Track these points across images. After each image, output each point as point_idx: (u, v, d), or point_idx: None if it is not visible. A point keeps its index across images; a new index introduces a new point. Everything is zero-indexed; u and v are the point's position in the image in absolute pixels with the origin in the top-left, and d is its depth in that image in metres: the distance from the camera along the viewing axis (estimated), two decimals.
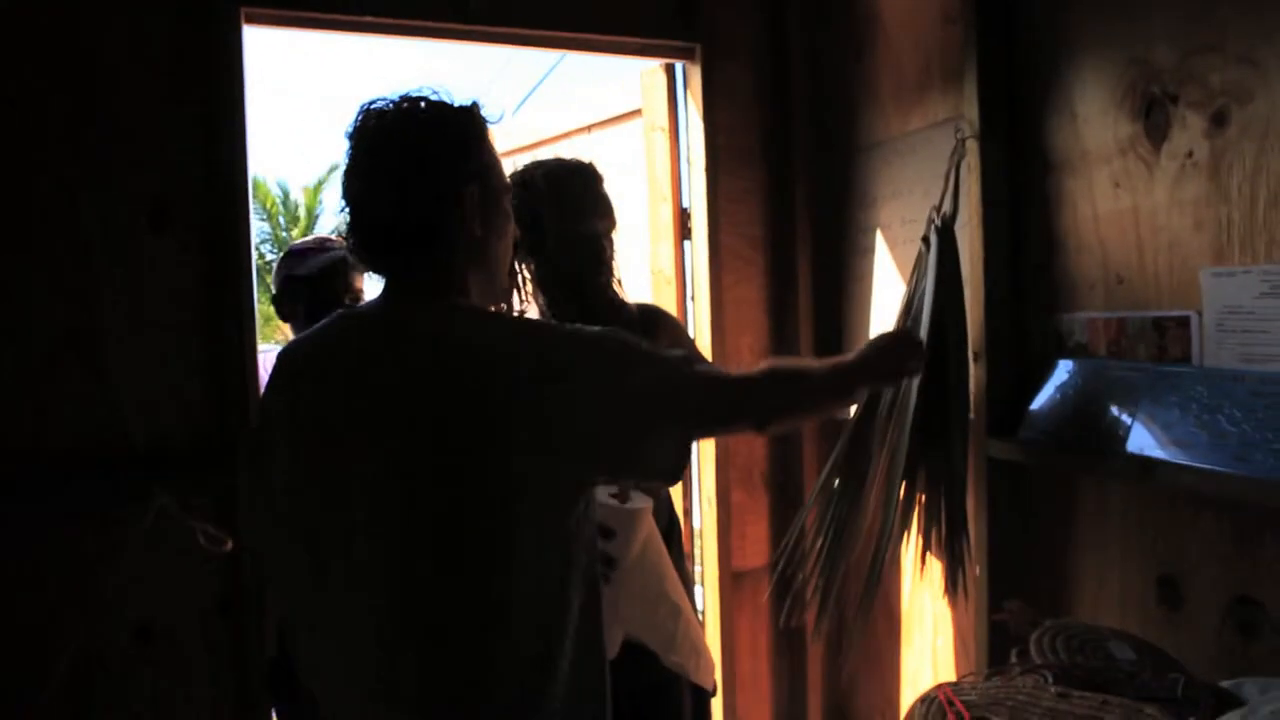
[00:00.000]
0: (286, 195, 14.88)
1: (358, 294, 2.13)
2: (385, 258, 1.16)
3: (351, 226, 1.16)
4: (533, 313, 1.74)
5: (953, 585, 1.63)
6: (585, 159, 1.76)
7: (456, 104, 1.17)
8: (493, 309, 1.26)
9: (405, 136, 1.13)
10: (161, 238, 1.82)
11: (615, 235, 1.77)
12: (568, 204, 1.64)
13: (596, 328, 1.16)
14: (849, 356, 1.38)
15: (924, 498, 1.68)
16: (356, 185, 1.14)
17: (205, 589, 1.85)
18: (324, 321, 1.19)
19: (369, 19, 1.94)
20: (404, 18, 1.97)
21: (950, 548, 1.63)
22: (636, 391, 1.12)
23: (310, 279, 2.08)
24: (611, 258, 1.74)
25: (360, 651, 1.10)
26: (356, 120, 1.15)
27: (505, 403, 1.05)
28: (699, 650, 1.73)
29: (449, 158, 1.14)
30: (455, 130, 1.15)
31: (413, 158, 1.12)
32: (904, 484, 1.63)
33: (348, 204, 1.15)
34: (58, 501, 1.73)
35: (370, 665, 1.10)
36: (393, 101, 1.15)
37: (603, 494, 1.50)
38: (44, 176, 1.75)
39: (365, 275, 2.16)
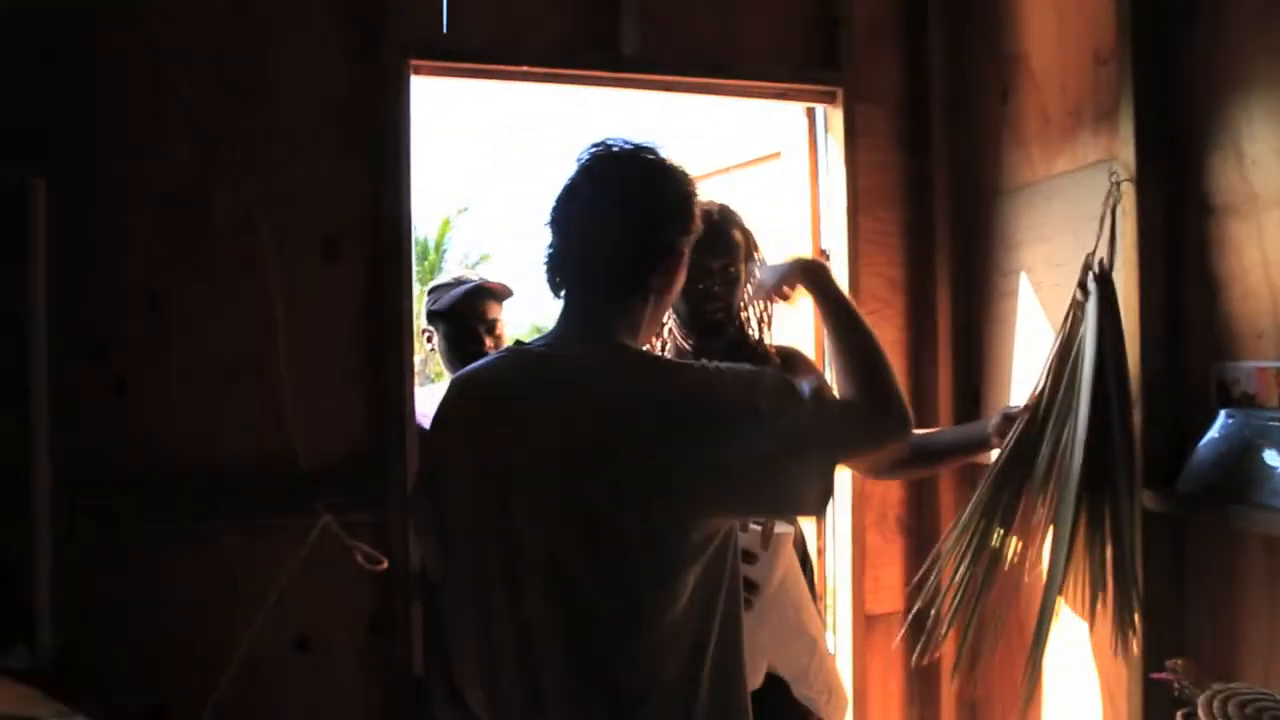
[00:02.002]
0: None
1: (492, 322, 2.25)
2: (586, 292, 1.18)
3: (561, 254, 1.19)
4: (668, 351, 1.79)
5: (1122, 641, 1.58)
6: (719, 200, 1.78)
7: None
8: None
9: (651, 183, 1.17)
10: (332, 267, 1.96)
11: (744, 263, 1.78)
12: (701, 240, 1.68)
13: (749, 369, 1.19)
14: (840, 307, 1.37)
15: (1087, 551, 1.64)
16: (587, 218, 1.17)
17: (360, 606, 1.94)
18: (494, 358, 1.23)
19: (527, 69, 2.05)
20: (561, 67, 2.07)
21: (1120, 602, 1.58)
22: (789, 433, 1.14)
23: (444, 313, 2.25)
24: (740, 286, 1.75)
25: (521, 673, 1.14)
26: (593, 155, 1.18)
27: (676, 448, 1.08)
28: (832, 688, 1.72)
29: (682, 211, 1.19)
30: (686, 187, 1.20)
31: (656, 205, 1.17)
32: (1071, 537, 1.61)
33: (565, 231, 1.18)
34: (229, 513, 1.86)
35: (529, 688, 1.13)
36: (632, 146, 1.19)
37: None
38: (226, 204, 1.90)
39: (501, 304, 2.27)
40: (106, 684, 1.76)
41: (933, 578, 1.72)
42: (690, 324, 1.72)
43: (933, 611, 1.72)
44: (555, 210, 1.19)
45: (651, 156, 1.19)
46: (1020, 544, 1.71)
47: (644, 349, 1.25)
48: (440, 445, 1.23)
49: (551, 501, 1.10)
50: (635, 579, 1.09)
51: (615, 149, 1.19)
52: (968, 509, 1.73)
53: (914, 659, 1.72)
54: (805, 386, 1.21)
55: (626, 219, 1.15)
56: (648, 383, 1.13)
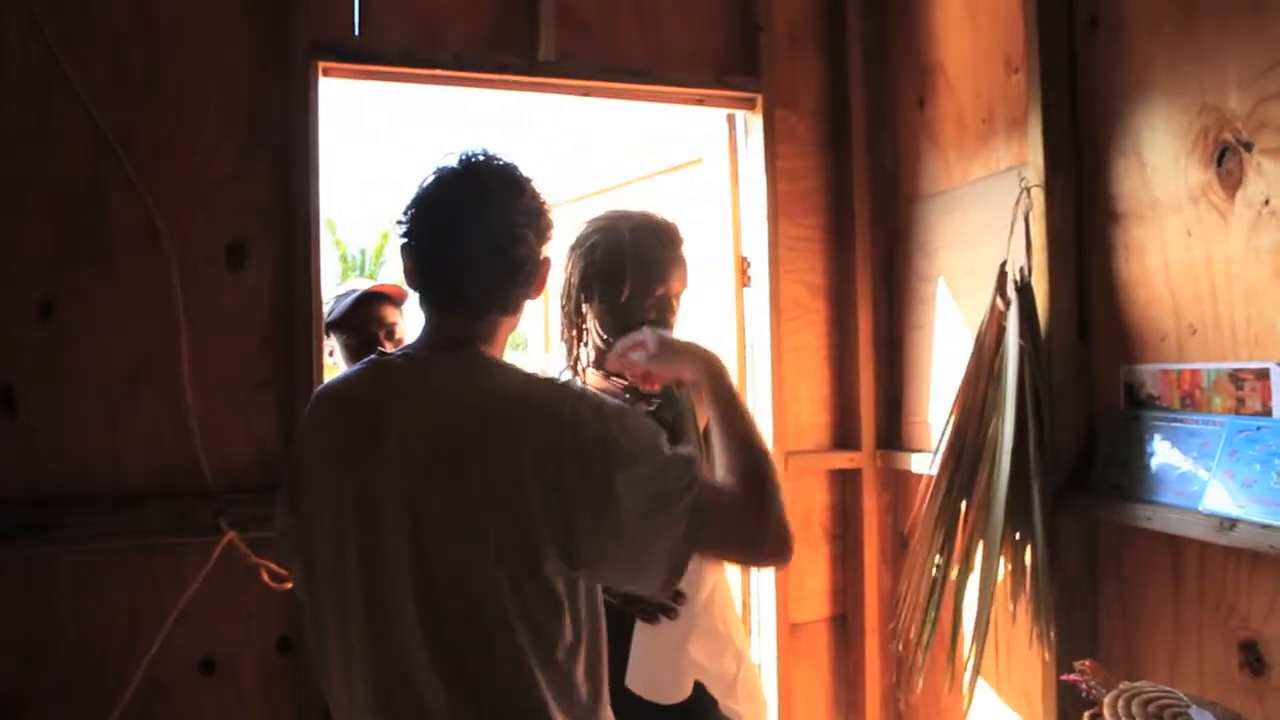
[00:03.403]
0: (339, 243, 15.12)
1: (391, 327, 2.21)
2: (450, 302, 1.17)
3: (430, 265, 1.16)
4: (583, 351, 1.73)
5: (1045, 637, 1.63)
6: (669, 218, 1.70)
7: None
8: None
9: (514, 197, 1.15)
10: (237, 274, 1.89)
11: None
12: (648, 263, 1.61)
13: (615, 404, 1.11)
14: (735, 412, 1.25)
15: (1010, 554, 1.69)
16: (452, 232, 1.14)
17: (268, 625, 1.87)
18: (356, 368, 1.21)
19: (440, 72, 2.01)
20: (475, 71, 2.03)
21: (1037, 604, 1.62)
22: (640, 486, 1.06)
23: (336, 323, 2.19)
24: (674, 315, 1.69)
25: (381, 690, 1.11)
26: (454, 169, 1.16)
27: (520, 470, 1.04)
28: (754, 697, 1.70)
29: (542, 223, 1.18)
30: (542, 199, 1.19)
31: (520, 219, 1.15)
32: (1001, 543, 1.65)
33: (428, 244, 1.16)
34: (130, 528, 1.77)
35: (390, 704, 1.10)
36: (494, 157, 1.18)
37: None
38: (130, 208, 1.82)
39: (399, 307, 2.23)
40: None
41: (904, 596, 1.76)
42: (612, 338, 1.67)
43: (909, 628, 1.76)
44: (415, 223, 1.17)
45: (511, 170, 1.18)
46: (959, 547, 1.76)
47: (503, 357, 1.21)
48: (302, 457, 1.20)
49: (406, 511, 1.08)
50: (488, 593, 1.05)
51: (474, 162, 1.17)
52: (921, 528, 1.78)
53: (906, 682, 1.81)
54: (684, 449, 1.12)
55: (491, 234, 1.14)
56: (499, 393, 1.10)
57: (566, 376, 1.68)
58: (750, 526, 1.13)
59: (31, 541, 1.72)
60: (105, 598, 1.79)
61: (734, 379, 1.32)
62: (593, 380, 1.68)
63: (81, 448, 1.79)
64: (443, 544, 1.06)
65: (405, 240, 1.18)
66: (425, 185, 1.17)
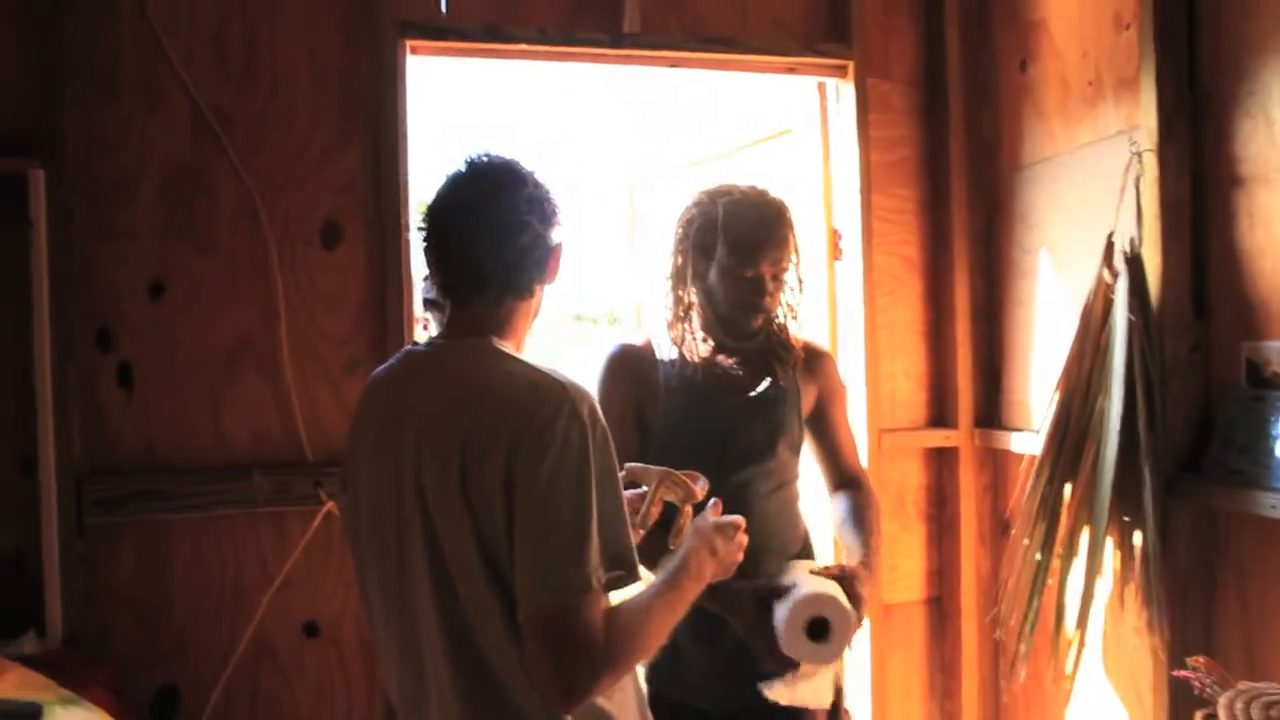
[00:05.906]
0: None
1: None
2: (467, 296, 1.21)
3: (445, 260, 1.21)
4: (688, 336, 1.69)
5: (1156, 629, 1.57)
6: (776, 195, 1.64)
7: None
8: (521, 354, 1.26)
9: (523, 189, 1.20)
10: (332, 253, 1.95)
11: (794, 266, 1.64)
12: (739, 243, 1.57)
13: (593, 425, 1.10)
14: (674, 563, 1.20)
15: (1118, 540, 1.62)
16: (458, 233, 1.20)
17: None
18: (396, 356, 1.30)
19: (525, 47, 2.01)
20: (559, 45, 2.03)
21: (1147, 591, 1.57)
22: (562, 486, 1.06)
23: (433, 300, 2.20)
24: (768, 298, 1.61)
25: (410, 667, 1.17)
26: (468, 169, 1.22)
27: (492, 458, 1.07)
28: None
29: (555, 214, 1.23)
30: (541, 188, 1.22)
31: (532, 208, 1.19)
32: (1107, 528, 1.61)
33: (441, 245, 1.21)
34: (236, 498, 1.86)
35: (418, 676, 1.16)
36: (496, 157, 1.23)
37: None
38: (232, 190, 1.90)
39: None
40: (117, 668, 1.78)
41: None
42: (723, 325, 1.63)
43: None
44: (430, 225, 1.23)
45: (513, 165, 1.23)
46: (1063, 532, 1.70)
47: (510, 346, 1.23)
48: (352, 440, 1.28)
49: (419, 492, 1.13)
50: (484, 572, 1.09)
51: (486, 161, 1.23)
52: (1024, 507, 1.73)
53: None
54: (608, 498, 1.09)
55: (497, 223, 1.18)
56: (493, 383, 1.13)
57: (672, 353, 1.66)
58: (572, 667, 1.04)
59: (147, 508, 1.83)
60: (215, 561, 1.89)
61: (700, 581, 1.23)
62: (702, 351, 1.64)
63: (190, 420, 1.88)
64: (441, 523, 1.11)
65: (425, 244, 1.24)
66: (438, 191, 1.23)
